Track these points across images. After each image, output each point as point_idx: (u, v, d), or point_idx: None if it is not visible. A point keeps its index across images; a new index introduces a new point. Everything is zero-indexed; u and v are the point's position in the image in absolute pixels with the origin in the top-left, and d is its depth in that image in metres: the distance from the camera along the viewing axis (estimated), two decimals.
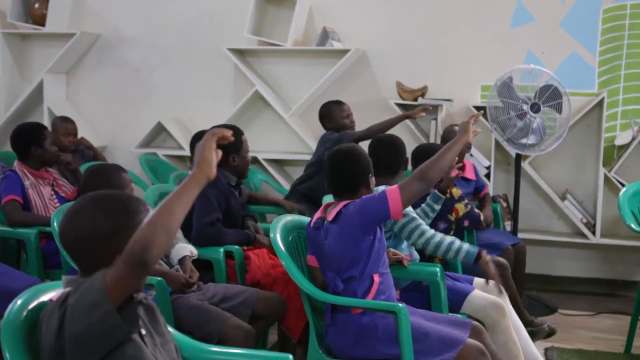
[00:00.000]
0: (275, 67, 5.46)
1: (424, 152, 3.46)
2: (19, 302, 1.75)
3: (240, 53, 5.40)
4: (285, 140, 5.38)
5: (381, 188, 2.81)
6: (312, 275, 2.75)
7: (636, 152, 4.82)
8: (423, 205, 3.44)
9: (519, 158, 4.55)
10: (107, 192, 1.80)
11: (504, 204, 4.92)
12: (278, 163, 5.42)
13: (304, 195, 4.38)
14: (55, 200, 3.90)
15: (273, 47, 5.29)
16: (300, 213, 3.86)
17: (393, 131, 5.16)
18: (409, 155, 3.53)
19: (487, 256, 3.02)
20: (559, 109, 4.24)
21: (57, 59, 5.54)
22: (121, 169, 2.91)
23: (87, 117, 5.77)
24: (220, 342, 2.63)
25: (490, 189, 4.81)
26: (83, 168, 4.32)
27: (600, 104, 4.82)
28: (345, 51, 5.11)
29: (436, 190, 3.41)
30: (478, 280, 3.21)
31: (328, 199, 3.01)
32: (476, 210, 3.76)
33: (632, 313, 3.86)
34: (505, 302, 3.09)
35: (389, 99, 5.14)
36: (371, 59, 5.28)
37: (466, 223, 3.72)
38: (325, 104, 4.57)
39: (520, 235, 4.53)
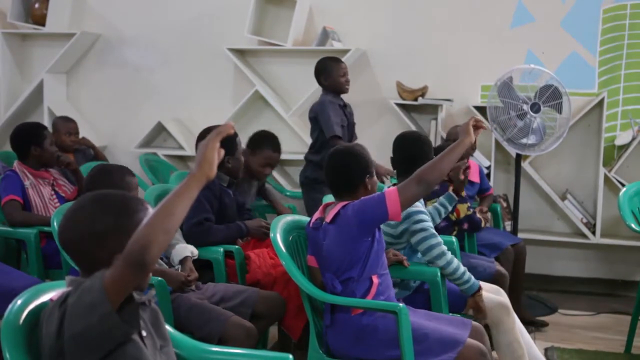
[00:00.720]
0: (275, 67, 5.46)
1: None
2: (19, 302, 1.75)
3: (240, 53, 5.40)
4: (285, 140, 5.33)
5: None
6: (312, 275, 2.75)
7: (636, 152, 4.82)
8: (436, 204, 3.41)
9: (519, 158, 4.55)
10: (106, 191, 1.80)
11: (504, 204, 4.92)
12: (278, 163, 5.42)
13: (318, 165, 4.34)
14: (56, 200, 3.90)
15: (273, 47, 5.29)
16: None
17: (395, 128, 5.19)
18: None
19: (482, 294, 2.96)
20: (559, 109, 4.24)
21: (57, 59, 5.54)
22: (127, 171, 2.86)
23: (87, 117, 5.77)
24: (221, 341, 2.63)
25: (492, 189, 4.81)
26: (85, 168, 4.32)
27: (600, 104, 4.82)
28: (345, 51, 5.11)
29: (451, 190, 3.38)
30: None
31: (328, 199, 3.02)
32: (478, 215, 3.76)
33: (632, 313, 3.86)
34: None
35: (389, 99, 5.14)
36: (371, 59, 5.28)
37: (466, 226, 3.73)
38: (322, 59, 4.50)
39: (520, 235, 4.52)
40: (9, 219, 3.75)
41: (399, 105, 5.07)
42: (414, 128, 5.05)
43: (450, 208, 3.40)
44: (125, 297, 1.56)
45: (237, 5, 5.34)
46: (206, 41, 5.48)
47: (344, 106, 4.49)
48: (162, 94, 5.63)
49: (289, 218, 2.91)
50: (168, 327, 1.87)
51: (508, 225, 4.75)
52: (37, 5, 5.59)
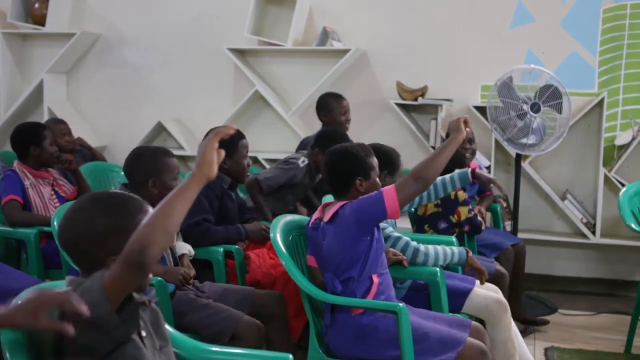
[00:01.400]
0: (275, 67, 5.46)
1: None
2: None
3: (240, 53, 5.40)
4: (285, 140, 5.38)
5: None
6: (312, 275, 2.75)
7: (636, 152, 4.82)
8: (446, 175, 3.27)
9: (519, 158, 4.54)
10: (106, 191, 1.80)
11: (504, 204, 4.92)
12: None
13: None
14: (56, 200, 3.90)
15: (273, 47, 5.29)
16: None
17: (395, 128, 5.20)
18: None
19: (471, 255, 3.01)
20: (559, 109, 4.24)
21: (57, 59, 5.54)
22: (163, 152, 2.94)
23: (87, 117, 5.77)
24: (232, 340, 2.63)
25: (492, 190, 4.81)
26: (83, 168, 4.33)
27: (600, 104, 4.82)
28: (345, 51, 5.11)
29: (469, 172, 3.27)
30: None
31: (328, 198, 3.02)
32: (479, 218, 3.76)
33: (632, 313, 3.86)
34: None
35: (389, 99, 5.14)
36: (371, 59, 5.28)
37: (466, 228, 3.73)
38: (324, 95, 4.50)
39: (520, 235, 4.52)
40: (9, 218, 3.75)
41: (399, 105, 5.08)
42: (414, 128, 5.06)
43: (457, 184, 3.24)
44: (124, 297, 1.56)
45: (237, 5, 5.35)
46: (206, 41, 5.48)
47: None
48: (162, 94, 5.63)
49: (288, 218, 2.91)
50: (168, 327, 1.87)
51: (508, 225, 4.75)
52: (37, 5, 5.59)
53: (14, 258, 3.91)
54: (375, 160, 2.75)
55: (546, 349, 3.85)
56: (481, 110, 4.84)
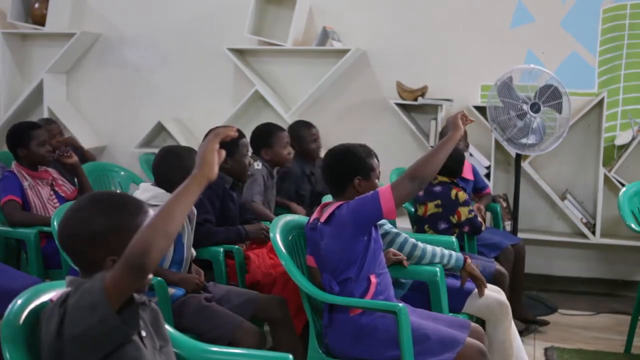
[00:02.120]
0: (275, 67, 5.46)
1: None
2: (19, 302, 1.75)
3: (240, 53, 5.40)
4: None
5: None
6: (312, 275, 2.75)
7: (636, 152, 4.82)
8: (446, 251, 3.03)
9: (519, 158, 4.54)
10: (106, 191, 1.81)
11: (504, 204, 4.92)
12: None
13: None
14: (55, 200, 3.90)
15: (273, 47, 5.29)
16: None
17: (395, 128, 5.20)
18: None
19: (470, 262, 2.98)
20: (559, 108, 4.24)
21: (57, 59, 5.54)
22: (195, 152, 2.94)
23: (87, 117, 5.77)
24: (231, 346, 2.63)
25: (490, 189, 4.81)
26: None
27: (600, 104, 4.82)
28: (345, 51, 5.11)
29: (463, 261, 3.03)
30: None
31: (327, 199, 3.02)
32: (479, 219, 3.76)
33: (632, 313, 3.86)
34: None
35: (389, 99, 5.14)
36: (371, 59, 5.28)
37: (466, 229, 3.73)
38: (294, 123, 4.48)
39: (520, 235, 4.52)
40: (8, 219, 3.75)
41: (399, 105, 5.08)
42: (414, 128, 5.05)
43: (453, 264, 2.98)
44: (125, 298, 1.56)
45: (237, 5, 5.35)
46: (206, 41, 5.49)
47: (311, 174, 4.37)
48: (162, 94, 5.63)
49: (288, 218, 2.91)
50: (168, 327, 1.87)
51: (508, 225, 4.76)
52: (37, 5, 5.59)
53: (14, 258, 3.91)
54: (375, 162, 2.74)
55: (546, 349, 3.85)
56: (481, 110, 4.83)
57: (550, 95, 4.20)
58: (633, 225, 3.85)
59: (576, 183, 5.06)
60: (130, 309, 1.59)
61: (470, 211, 3.71)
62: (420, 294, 3.02)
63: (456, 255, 2.97)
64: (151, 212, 1.71)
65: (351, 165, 2.68)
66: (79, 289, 1.57)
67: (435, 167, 2.49)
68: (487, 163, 4.94)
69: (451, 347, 2.47)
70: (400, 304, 2.48)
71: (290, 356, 2.02)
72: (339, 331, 2.60)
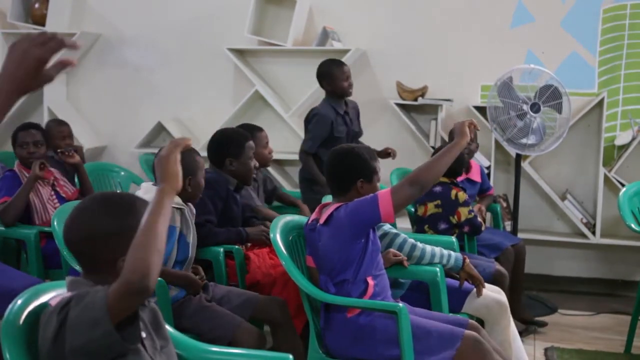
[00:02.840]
0: (275, 67, 5.46)
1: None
2: (19, 302, 1.75)
3: (240, 53, 5.40)
4: (285, 140, 5.38)
5: None
6: (311, 275, 2.75)
7: (636, 152, 4.82)
8: (445, 251, 3.02)
9: (519, 158, 4.55)
10: (111, 192, 1.81)
11: (504, 204, 4.92)
12: (278, 163, 5.42)
13: (310, 181, 4.31)
14: (55, 201, 3.90)
15: (273, 47, 5.29)
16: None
17: (395, 128, 5.20)
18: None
19: (468, 262, 2.98)
20: (559, 109, 4.24)
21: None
22: (193, 151, 2.97)
23: (87, 117, 5.77)
24: (230, 346, 2.63)
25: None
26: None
27: (600, 104, 4.82)
28: (345, 51, 5.11)
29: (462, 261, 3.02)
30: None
31: (327, 199, 3.02)
32: (479, 219, 3.76)
33: (632, 313, 3.86)
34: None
35: (389, 99, 5.14)
36: (371, 59, 5.28)
37: (466, 229, 3.73)
38: (324, 62, 4.41)
39: (520, 235, 4.52)
40: (3, 220, 3.74)
41: (399, 105, 5.08)
42: (413, 128, 5.05)
43: (452, 264, 2.99)
44: (127, 315, 1.57)
45: (237, 5, 5.35)
46: (206, 41, 5.48)
47: (346, 113, 4.39)
48: (162, 94, 5.63)
49: (288, 218, 2.91)
50: (168, 327, 1.87)
51: (508, 225, 4.75)
52: (37, 5, 5.59)
53: (14, 258, 3.91)
54: (378, 165, 2.75)
55: (546, 349, 3.85)
56: (481, 110, 4.83)
57: (550, 96, 4.20)
58: (633, 225, 3.85)
59: (576, 183, 5.06)
60: (132, 325, 1.60)
61: (470, 211, 3.71)
62: (419, 294, 3.02)
63: (455, 255, 2.97)
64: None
65: (355, 167, 2.68)
66: (81, 302, 1.56)
67: (437, 173, 2.49)
68: (487, 163, 4.94)
69: (450, 344, 2.45)
70: (400, 304, 2.48)
71: (290, 356, 2.02)
72: (336, 332, 2.60)
